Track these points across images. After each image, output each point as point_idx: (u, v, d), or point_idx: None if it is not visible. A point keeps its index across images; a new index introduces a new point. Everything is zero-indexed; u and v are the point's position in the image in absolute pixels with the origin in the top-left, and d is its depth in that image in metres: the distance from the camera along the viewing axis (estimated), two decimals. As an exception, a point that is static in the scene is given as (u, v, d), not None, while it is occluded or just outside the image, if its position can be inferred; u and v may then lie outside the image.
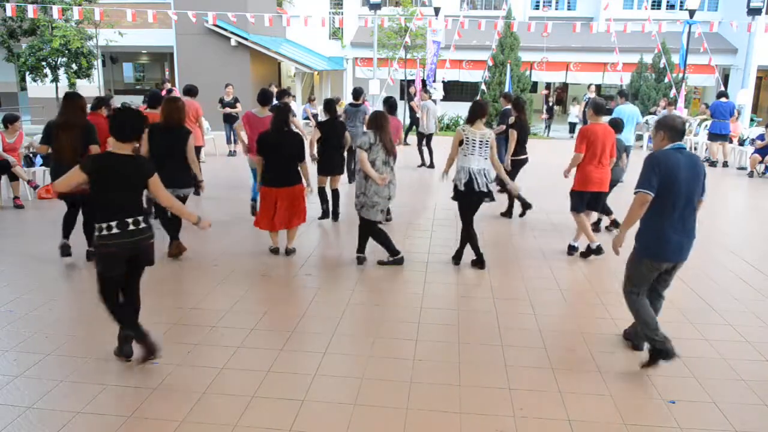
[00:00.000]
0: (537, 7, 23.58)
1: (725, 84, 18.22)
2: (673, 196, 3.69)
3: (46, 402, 3.46)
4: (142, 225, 3.67)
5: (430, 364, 3.96)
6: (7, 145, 8.27)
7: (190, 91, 9.05)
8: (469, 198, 5.70)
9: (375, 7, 17.17)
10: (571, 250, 6.41)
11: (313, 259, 6.17)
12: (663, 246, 3.77)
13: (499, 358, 4.08)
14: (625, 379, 3.83)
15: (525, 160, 7.97)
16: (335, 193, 7.68)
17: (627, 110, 9.52)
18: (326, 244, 6.93)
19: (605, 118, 6.53)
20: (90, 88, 19.32)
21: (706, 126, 13.50)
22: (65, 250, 5.92)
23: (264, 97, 7.39)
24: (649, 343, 3.86)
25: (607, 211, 7.12)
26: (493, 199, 5.84)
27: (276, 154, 5.77)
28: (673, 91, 16.65)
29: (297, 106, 16.91)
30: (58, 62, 17.19)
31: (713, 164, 12.53)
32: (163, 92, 12.58)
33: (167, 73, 23.71)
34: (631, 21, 18.37)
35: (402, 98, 19.79)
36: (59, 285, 5.39)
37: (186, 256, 6.05)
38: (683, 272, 5.92)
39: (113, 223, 3.56)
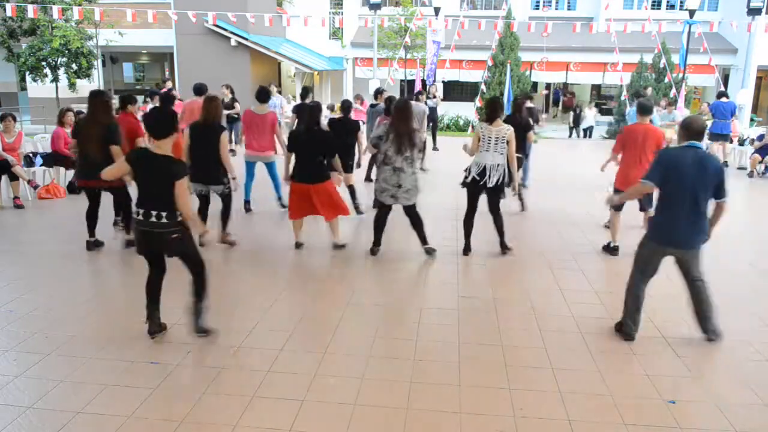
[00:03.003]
0: (537, 7, 23.60)
1: (725, 84, 18.23)
2: (677, 189, 4.02)
3: (46, 402, 3.46)
4: (164, 220, 3.93)
5: (430, 364, 3.96)
6: (7, 144, 8.27)
7: (200, 90, 8.92)
8: (473, 189, 6.06)
9: (375, 7, 17.18)
10: (610, 249, 6.46)
11: (314, 258, 6.16)
12: (665, 232, 4.12)
13: (499, 358, 4.08)
14: (625, 379, 3.83)
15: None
16: (351, 190, 7.94)
17: None
18: (327, 244, 6.91)
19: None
20: (90, 88, 19.33)
21: (707, 126, 13.49)
22: (92, 246, 6.15)
23: (263, 95, 7.54)
24: (622, 319, 4.40)
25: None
26: (503, 196, 6.13)
27: (306, 152, 5.96)
28: (673, 91, 16.65)
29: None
30: (58, 62, 17.20)
31: (713, 164, 12.52)
32: (163, 92, 12.59)
33: (167, 72, 23.72)
34: (631, 21, 18.37)
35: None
36: (59, 285, 5.39)
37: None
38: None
39: (140, 211, 3.96)
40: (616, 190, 6.23)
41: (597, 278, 5.73)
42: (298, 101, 8.82)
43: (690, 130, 4.12)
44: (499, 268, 5.95)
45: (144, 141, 7.16)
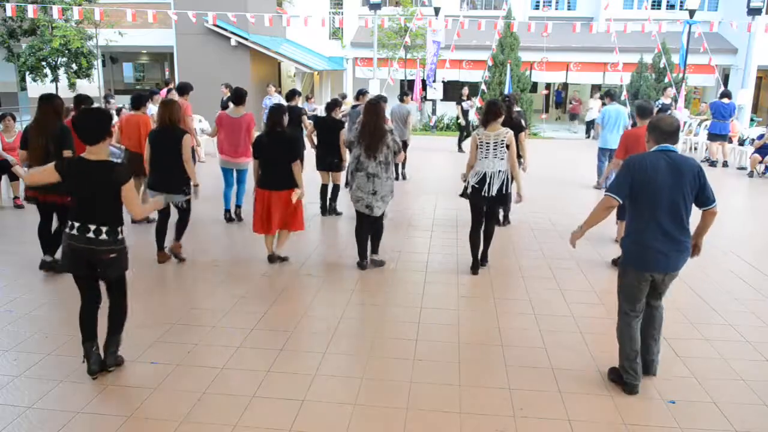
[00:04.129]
0: (537, 7, 23.61)
1: (725, 84, 18.23)
2: (651, 202, 3.44)
3: (46, 402, 3.46)
4: (103, 236, 3.51)
5: (430, 364, 3.96)
6: (7, 144, 8.27)
7: (183, 89, 8.61)
8: (475, 199, 5.63)
9: (375, 7, 17.19)
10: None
11: (314, 258, 6.16)
12: (644, 254, 3.51)
13: (499, 358, 4.08)
14: (625, 379, 3.82)
15: None
16: (335, 188, 7.90)
17: (613, 111, 9.42)
18: (327, 243, 6.93)
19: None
20: (90, 88, 19.40)
21: (706, 126, 13.48)
22: (47, 265, 5.60)
23: (238, 97, 7.27)
24: (620, 369, 3.69)
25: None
26: (506, 206, 5.57)
27: (270, 156, 5.62)
28: (674, 91, 16.64)
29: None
30: (58, 62, 17.21)
31: (713, 164, 12.53)
32: (163, 92, 12.59)
33: (167, 73, 23.73)
34: (631, 21, 18.38)
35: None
36: (59, 285, 5.38)
37: (187, 256, 6.03)
38: (683, 272, 5.94)
39: (75, 225, 3.51)
40: None
41: (597, 278, 5.73)
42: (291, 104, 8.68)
43: (660, 131, 3.52)
44: (499, 269, 5.94)
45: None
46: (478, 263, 5.79)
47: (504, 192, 5.58)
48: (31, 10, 15.79)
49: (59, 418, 3.30)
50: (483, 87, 18.29)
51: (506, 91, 17.66)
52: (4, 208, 8.24)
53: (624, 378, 3.65)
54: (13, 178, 8.32)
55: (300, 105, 9.28)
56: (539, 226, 7.59)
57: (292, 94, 9.06)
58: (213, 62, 18.37)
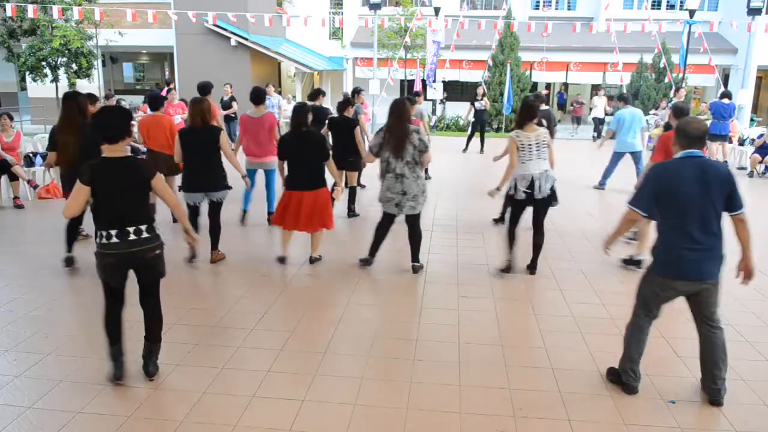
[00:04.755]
0: (537, 7, 23.62)
1: (725, 84, 18.24)
2: (678, 212, 3.31)
3: (46, 402, 3.46)
4: (145, 234, 3.45)
5: (430, 364, 3.96)
6: (5, 144, 8.26)
7: (205, 88, 8.16)
8: (524, 203, 5.53)
9: (375, 7, 17.19)
10: (634, 262, 5.96)
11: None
12: (674, 263, 3.37)
13: (499, 358, 4.08)
14: (625, 379, 3.82)
15: None
16: (351, 190, 7.87)
17: (627, 115, 9.40)
18: (328, 243, 6.91)
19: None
20: (90, 88, 19.39)
21: (707, 128, 13.48)
22: (69, 262, 5.71)
23: (257, 96, 7.16)
24: (620, 370, 3.68)
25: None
26: (557, 202, 5.61)
27: (296, 156, 5.55)
28: (673, 90, 16.65)
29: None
30: (58, 62, 17.22)
31: (713, 164, 12.51)
32: (163, 92, 12.59)
33: (167, 73, 23.72)
34: (631, 21, 18.40)
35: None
36: (59, 285, 5.39)
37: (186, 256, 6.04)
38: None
39: (113, 232, 3.38)
40: None
41: (597, 278, 5.73)
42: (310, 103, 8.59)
43: (687, 135, 3.37)
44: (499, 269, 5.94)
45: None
46: (512, 263, 5.70)
47: (552, 192, 5.52)
48: (31, 10, 15.80)
49: (59, 418, 3.30)
50: (483, 87, 18.29)
51: (506, 91, 17.67)
52: (4, 208, 8.24)
53: (622, 378, 3.64)
54: (13, 178, 8.32)
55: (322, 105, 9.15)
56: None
57: (316, 94, 8.98)
58: (213, 62, 18.38)
